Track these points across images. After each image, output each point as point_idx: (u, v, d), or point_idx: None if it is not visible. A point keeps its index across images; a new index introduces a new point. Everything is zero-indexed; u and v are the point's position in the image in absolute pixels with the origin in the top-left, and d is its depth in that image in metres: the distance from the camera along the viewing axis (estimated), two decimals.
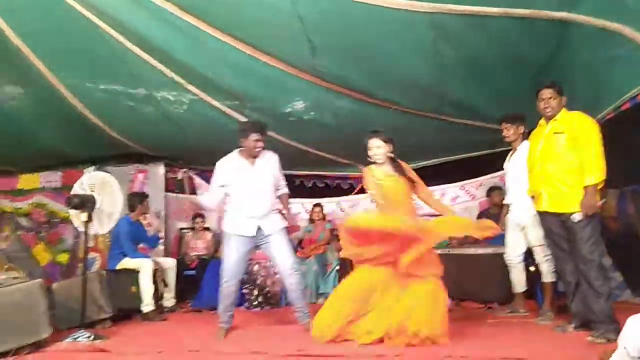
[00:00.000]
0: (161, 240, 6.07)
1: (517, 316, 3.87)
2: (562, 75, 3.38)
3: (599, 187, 3.00)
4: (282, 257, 3.55)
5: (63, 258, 6.02)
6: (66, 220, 6.00)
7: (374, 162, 3.37)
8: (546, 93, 3.17)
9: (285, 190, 3.79)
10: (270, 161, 3.63)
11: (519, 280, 3.96)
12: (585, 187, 2.99)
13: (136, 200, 4.87)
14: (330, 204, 6.10)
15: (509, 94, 4.03)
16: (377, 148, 3.30)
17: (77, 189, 3.76)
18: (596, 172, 2.97)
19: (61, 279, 4.92)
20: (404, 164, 3.40)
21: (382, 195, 3.31)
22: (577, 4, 3.03)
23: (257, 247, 3.69)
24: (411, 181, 3.34)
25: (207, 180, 6.72)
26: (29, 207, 6.07)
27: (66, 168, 6.07)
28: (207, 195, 3.82)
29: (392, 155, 3.37)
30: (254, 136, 3.47)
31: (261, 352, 2.97)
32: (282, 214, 3.69)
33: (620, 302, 3.93)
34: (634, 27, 3.09)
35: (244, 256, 3.57)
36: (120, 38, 3.84)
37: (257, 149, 3.50)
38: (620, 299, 4.09)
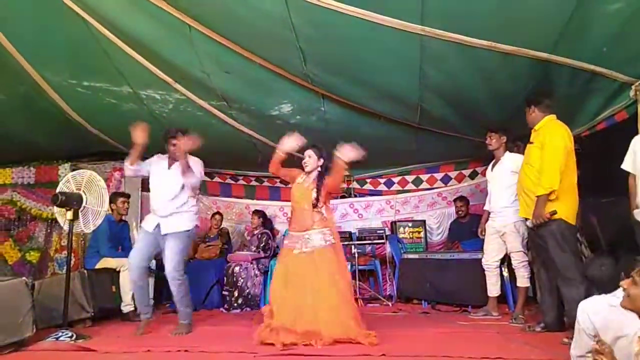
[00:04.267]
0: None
1: (490, 319, 4.07)
2: None
3: (550, 197, 3.13)
4: (166, 261, 3.67)
5: (33, 257, 5.82)
6: (37, 218, 5.86)
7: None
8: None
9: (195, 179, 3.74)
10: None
11: (494, 285, 4.16)
12: (536, 197, 3.16)
13: (111, 199, 4.82)
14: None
15: (486, 118, 4.26)
16: (309, 158, 3.54)
17: (63, 186, 3.70)
18: (546, 183, 3.10)
19: (31, 278, 4.80)
20: (330, 182, 3.48)
21: (291, 198, 3.61)
22: (558, 46, 3.20)
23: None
24: (316, 197, 3.44)
25: None
26: None
27: (40, 164, 5.90)
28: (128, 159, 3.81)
29: (319, 170, 3.53)
30: (170, 141, 3.74)
31: (248, 352, 3.01)
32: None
33: None
34: (608, 67, 3.35)
35: (145, 247, 3.73)
36: (109, 35, 3.81)
37: (175, 153, 3.72)
38: None
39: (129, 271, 3.76)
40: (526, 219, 3.38)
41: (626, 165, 3.00)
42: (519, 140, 4.16)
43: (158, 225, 3.70)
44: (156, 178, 3.79)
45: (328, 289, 3.25)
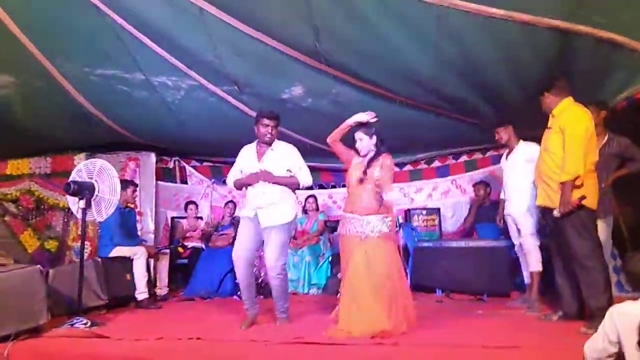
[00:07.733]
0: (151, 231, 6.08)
1: (510, 307, 4.01)
2: None
3: (577, 182, 3.00)
4: (267, 255, 3.48)
5: (51, 245, 5.92)
6: (55, 207, 5.95)
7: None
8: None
9: (298, 178, 3.53)
10: (280, 153, 3.54)
11: (526, 271, 4.08)
12: (561, 184, 3.03)
13: (123, 186, 4.84)
14: (323, 196, 6.15)
15: (503, 96, 4.12)
16: (360, 140, 3.37)
17: (75, 175, 3.73)
18: (570, 168, 2.99)
19: (50, 266, 4.88)
20: (384, 161, 3.34)
21: (347, 183, 3.43)
22: (577, 14, 3.07)
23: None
24: (365, 176, 3.30)
25: (198, 169, 6.78)
26: (17, 193, 5.93)
27: (55, 154, 5.96)
28: (228, 176, 3.77)
29: (375, 149, 3.38)
30: (262, 121, 3.47)
31: (260, 340, 3.00)
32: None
33: None
34: (630, 37, 3.20)
35: (250, 237, 3.51)
36: (120, 20, 3.77)
37: (267, 136, 3.48)
38: None
39: (236, 269, 3.51)
40: (547, 208, 3.21)
41: None
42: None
43: (257, 216, 3.48)
44: (249, 170, 3.53)
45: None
